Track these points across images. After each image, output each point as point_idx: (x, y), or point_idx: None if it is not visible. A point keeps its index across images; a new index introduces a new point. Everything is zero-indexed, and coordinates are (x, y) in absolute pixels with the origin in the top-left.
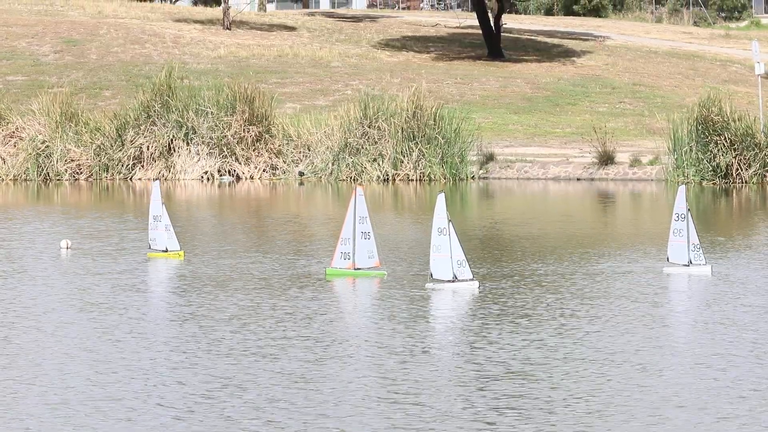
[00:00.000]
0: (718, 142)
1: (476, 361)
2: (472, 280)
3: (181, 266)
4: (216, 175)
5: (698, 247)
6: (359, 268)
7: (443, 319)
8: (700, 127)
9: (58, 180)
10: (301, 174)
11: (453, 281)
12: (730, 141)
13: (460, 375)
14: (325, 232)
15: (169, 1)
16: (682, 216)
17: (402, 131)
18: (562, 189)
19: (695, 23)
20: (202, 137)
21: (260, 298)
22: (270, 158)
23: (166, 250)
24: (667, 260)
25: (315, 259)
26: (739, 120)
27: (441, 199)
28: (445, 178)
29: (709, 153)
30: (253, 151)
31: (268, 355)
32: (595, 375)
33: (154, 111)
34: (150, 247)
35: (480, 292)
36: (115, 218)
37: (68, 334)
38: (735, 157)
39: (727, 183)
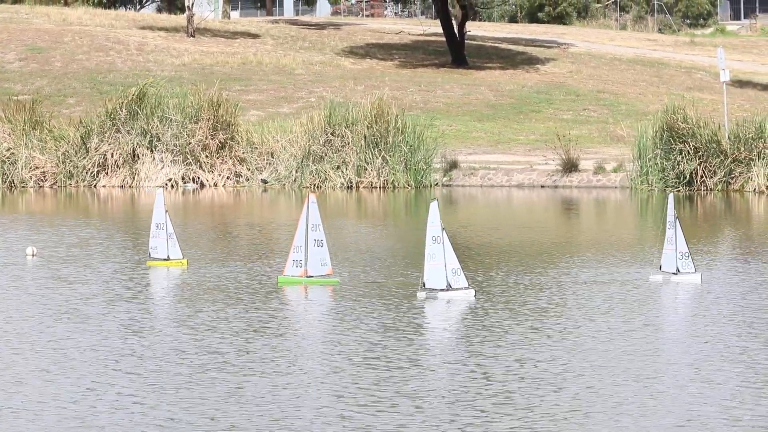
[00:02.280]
0: (683, 149)
1: (465, 373)
2: (467, 288)
3: (142, 274)
4: (180, 183)
5: (687, 255)
6: (311, 276)
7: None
8: (665, 135)
9: (22, 187)
10: (264, 182)
11: (447, 290)
12: (695, 148)
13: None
14: (284, 239)
15: (133, 9)
16: (672, 224)
17: (365, 138)
18: (526, 196)
19: (660, 30)
20: (166, 145)
21: (210, 307)
22: (234, 165)
23: (168, 259)
24: (660, 269)
25: (269, 266)
26: (704, 127)
27: (434, 207)
28: (409, 186)
29: (673, 160)
30: (217, 158)
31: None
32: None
33: (119, 119)
34: (150, 256)
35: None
36: (82, 225)
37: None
38: (699, 165)
39: (691, 190)
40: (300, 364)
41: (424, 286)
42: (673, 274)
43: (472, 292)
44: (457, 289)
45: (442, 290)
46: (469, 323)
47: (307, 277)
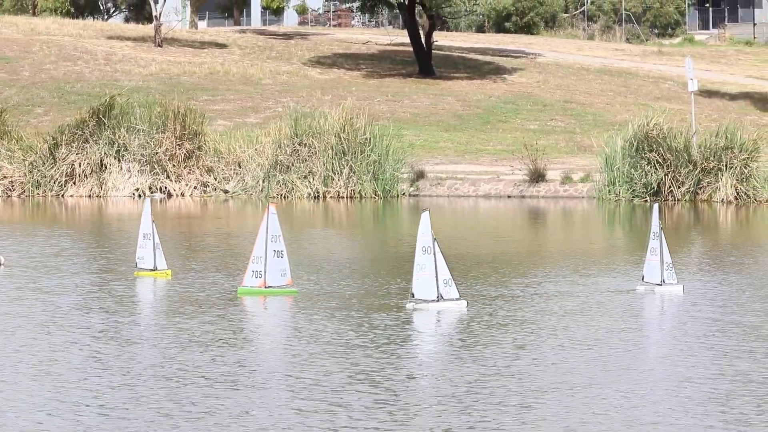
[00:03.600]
0: (651, 159)
1: (455, 383)
2: (458, 299)
3: (104, 284)
4: (147, 192)
5: (671, 266)
6: (270, 286)
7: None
8: (635, 144)
9: None
10: (225, 191)
11: (437, 301)
12: (663, 158)
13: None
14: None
15: (101, 19)
16: (657, 234)
17: (333, 148)
18: (493, 206)
19: (628, 40)
20: (134, 154)
21: (165, 320)
22: (201, 175)
23: (155, 269)
24: (642, 279)
25: (230, 277)
26: (678, 136)
27: (425, 218)
28: (376, 195)
29: (641, 170)
30: (184, 168)
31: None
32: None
33: (88, 128)
34: (137, 266)
35: (468, 311)
36: (50, 235)
37: None
38: (667, 175)
39: (658, 200)
40: (274, 379)
41: (412, 296)
42: (658, 285)
43: (464, 303)
44: (448, 300)
45: (432, 301)
46: (456, 335)
47: (266, 287)
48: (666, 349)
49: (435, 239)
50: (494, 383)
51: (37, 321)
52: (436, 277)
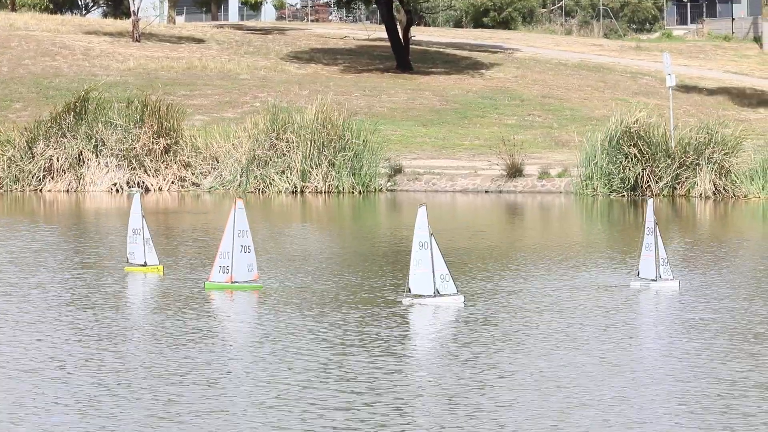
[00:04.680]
0: (629, 154)
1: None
2: (456, 294)
3: (95, 280)
4: (125, 187)
5: (666, 261)
6: (237, 281)
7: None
8: (614, 139)
9: None
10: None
11: (435, 296)
12: (642, 152)
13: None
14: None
15: (79, 14)
16: (651, 230)
17: (311, 143)
18: (471, 201)
19: (606, 35)
20: (111, 149)
21: (151, 316)
22: (179, 170)
23: (145, 264)
24: (638, 275)
25: (192, 273)
26: (657, 131)
27: (422, 212)
28: (354, 191)
29: (619, 165)
30: (162, 163)
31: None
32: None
33: (65, 123)
34: (128, 261)
35: (465, 307)
36: (33, 230)
37: None
38: (644, 170)
39: (635, 195)
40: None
41: (409, 291)
42: (653, 280)
43: (462, 298)
44: (445, 296)
45: (429, 296)
46: (450, 330)
47: (233, 282)
48: (663, 346)
49: (432, 234)
50: (487, 380)
51: (24, 318)
52: (433, 272)
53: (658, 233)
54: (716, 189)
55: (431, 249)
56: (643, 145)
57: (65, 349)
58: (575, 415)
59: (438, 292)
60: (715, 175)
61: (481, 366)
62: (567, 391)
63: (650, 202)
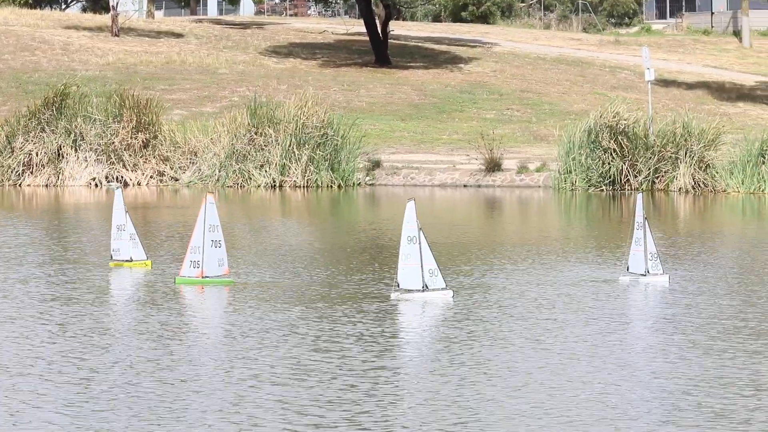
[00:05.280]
0: (609, 148)
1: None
2: (444, 289)
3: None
4: (104, 182)
5: (655, 256)
6: (207, 276)
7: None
8: (593, 133)
9: None
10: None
11: (423, 291)
12: (621, 147)
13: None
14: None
15: (59, 9)
16: (641, 224)
17: (290, 138)
18: (449, 195)
19: (585, 30)
20: (90, 144)
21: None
22: (157, 165)
23: (131, 260)
24: (627, 269)
25: (163, 269)
26: (636, 125)
27: (411, 207)
28: (333, 185)
29: (598, 159)
30: (141, 157)
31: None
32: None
33: (44, 118)
34: (112, 258)
35: (454, 302)
36: (14, 224)
37: None
38: (623, 164)
39: (614, 190)
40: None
41: (398, 286)
42: (642, 275)
43: (450, 293)
44: (434, 290)
45: (418, 291)
46: (437, 326)
47: (204, 277)
48: (652, 342)
49: (420, 229)
50: (472, 376)
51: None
52: (421, 267)
53: (648, 228)
54: (696, 183)
55: (420, 244)
56: (622, 139)
57: (41, 345)
58: (562, 412)
59: (426, 287)
60: (695, 169)
61: (465, 361)
62: (553, 389)
63: (639, 196)
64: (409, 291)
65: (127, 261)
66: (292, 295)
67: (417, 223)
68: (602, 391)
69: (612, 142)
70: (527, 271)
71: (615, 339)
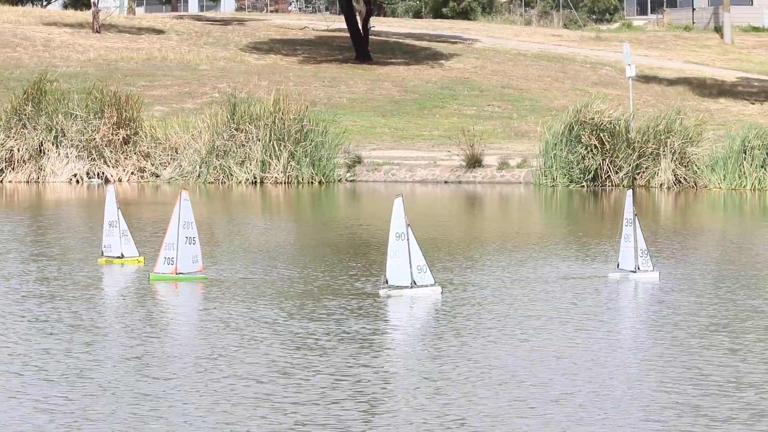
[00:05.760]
0: (590, 144)
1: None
2: (433, 285)
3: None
4: (85, 178)
5: (645, 252)
6: (181, 273)
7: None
8: (574, 129)
9: None
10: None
11: (411, 287)
12: (602, 142)
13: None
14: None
15: (40, 5)
16: (630, 221)
17: (270, 134)
18: (430, 191)
19: (565, 26)
20: (71, 140)
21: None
22: (138, 161)
23: (122, 256)
24: (617, 266)
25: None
26: (617, 121)
27: (398, 203)
28: (314, 181)
29: (579, 155)
30: (122, 153)
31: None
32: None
33: (25, 114)
34: (102, 254)
35: (443, 298)
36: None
37: None
38: (604, 160)
39: (595, 186)
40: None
41: (386, 282)
42: (632, 272)
43: (439, 289)
44: (422, 286)
45: (406, 287)
46: (423, 322)
47: (178, 274)
48: (644, 339)
49: (409, 225)
50: (462, 374)
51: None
52: (410, 263)
53: (638, 224)
54: (677, 179)
55: (408, 240)
56: (603, 135)
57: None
58: (552, 409)
59: (415, 283)
60: (676, 165)
61: (454, 359)
62: (534, 386)
63: (629, 193)
64: (398, 287)
65: (118, 257)
66: (273, 292)
67: (405, 220)
68: (586, 388)
69: (593, 138)
70: (516, 268)
71: (602, 336)
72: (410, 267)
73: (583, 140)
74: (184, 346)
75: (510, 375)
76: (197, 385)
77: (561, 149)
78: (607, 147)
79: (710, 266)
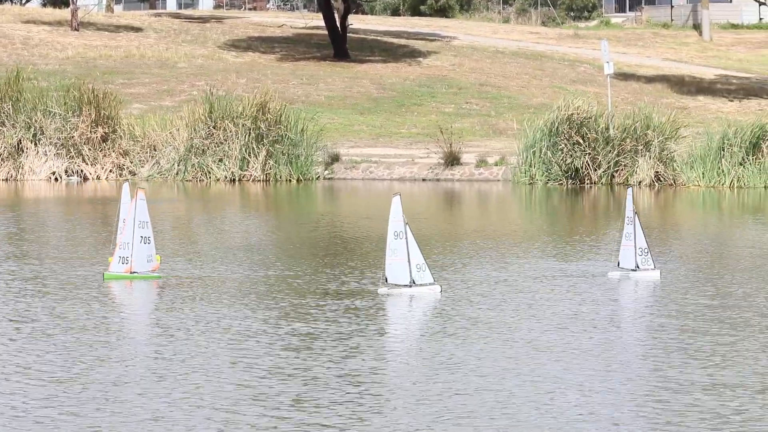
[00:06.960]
0: (569, 142)
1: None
2: (432, 284)
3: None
4: (64, 176)
5: (645, 251)
6: (135, 272)
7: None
8: (555, 127)
9: None
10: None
11: (410, 286)
12: (583, 139)
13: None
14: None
15: (19, 3)
16: (631, 219)
17: (249, 132)
18: (408, 189)
19: (543, 23)
20: (50, 138)
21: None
22: (117, 159)
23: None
24: (618, 265)
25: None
26: (596, 119)
27: (396, 202)
28: (292, 179)
29: (559, 153)
30: (100, 151)
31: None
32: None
33: (4, 112)
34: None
35: (442, 297)
36: None
37: None
38: (583, 157)
39: (574, 184)
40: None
41: (386, 281)
42: (632, 270)
43: (438, 288)
44: (421, 285)
45: (405, 286)
46: (423, 321)
47: (132, 273)
48: (639, 338)
49: (407, 223)
50: (458, 373)
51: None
52: (409, 262)
53: (638, 223)
54: (657, 176)
55: (406, 239)
56: (583, 132)
57: None
58: (549, 409)
59: (414, 282)
60: (655, 162)
61: (454, 359)
62: (543, 385)
63: (629, 191)
64: (397, 286)
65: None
66: (256, 291)
67: (403, 218)
68: (578, 387)
69: (574, 135)
70: (509, 266)
71: (601, 335)
72: (409, 266)
73: (562, 138)
74: (166, 346)
75: (510, 375)
76: (187, 388)
77: (540, 147)
78: (586, 144)
79: (689, 264)
